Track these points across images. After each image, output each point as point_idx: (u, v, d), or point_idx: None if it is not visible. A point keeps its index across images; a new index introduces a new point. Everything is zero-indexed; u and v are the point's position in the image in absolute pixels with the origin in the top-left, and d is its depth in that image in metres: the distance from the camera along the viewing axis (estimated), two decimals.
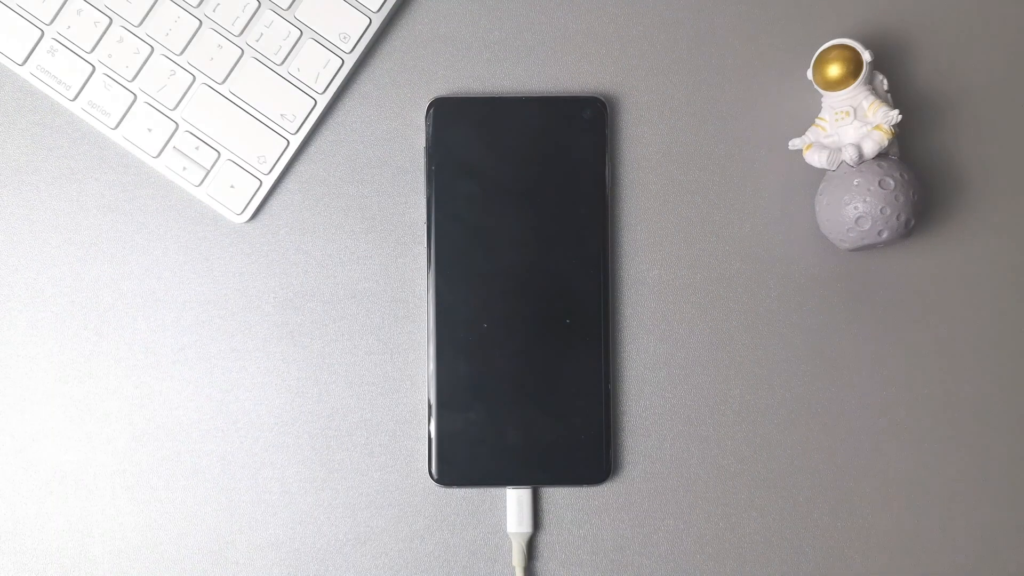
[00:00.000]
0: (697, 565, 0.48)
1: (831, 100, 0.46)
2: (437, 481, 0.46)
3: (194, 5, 0.47)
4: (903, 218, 0.45)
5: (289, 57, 0.47)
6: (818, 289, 0.48)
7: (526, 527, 0.47)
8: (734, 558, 0.48)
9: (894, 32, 0.49)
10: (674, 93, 0.49)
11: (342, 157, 0.48)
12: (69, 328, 0.48)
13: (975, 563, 0.48)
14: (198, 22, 0.47)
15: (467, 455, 0.46)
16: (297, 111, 0.47)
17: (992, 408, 0.48)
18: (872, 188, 0.44)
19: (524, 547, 0.47)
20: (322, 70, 0.47)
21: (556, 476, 0.47)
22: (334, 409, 0.48)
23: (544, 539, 0.48)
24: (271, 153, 0.47)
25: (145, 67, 0.47)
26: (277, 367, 0.48)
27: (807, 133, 0.47)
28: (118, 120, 0.47)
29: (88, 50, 0.47)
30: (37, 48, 0.47)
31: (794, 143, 0.47)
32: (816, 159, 0.46)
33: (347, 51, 0.47)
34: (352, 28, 0.47)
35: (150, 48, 0.47)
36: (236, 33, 0.47)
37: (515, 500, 0.47)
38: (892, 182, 0.45)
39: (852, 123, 0.45)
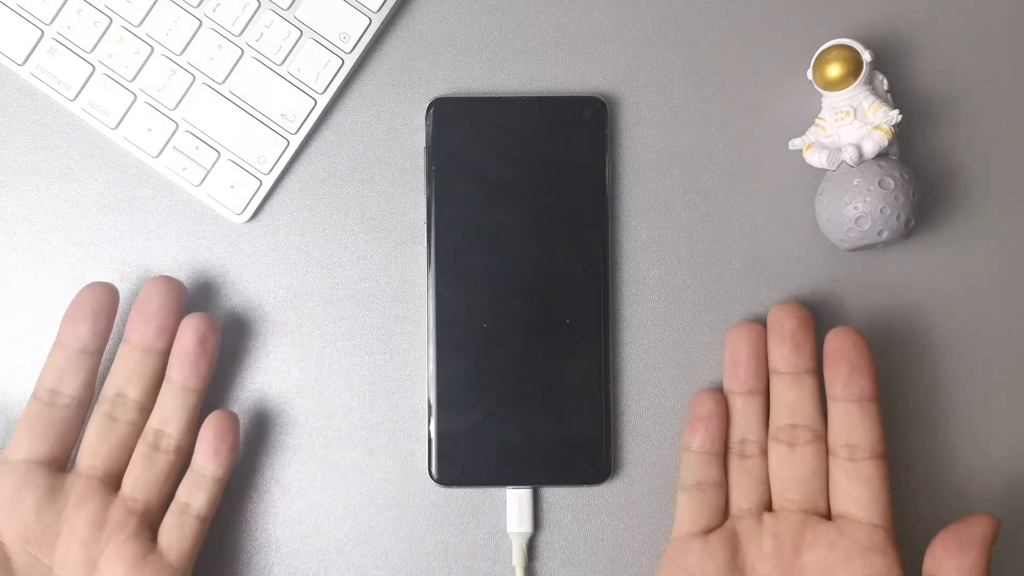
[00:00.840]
0: None
1: (831, 100, 0.46)
2: (437, 481, 0.46)
3: (194, 5, 0.47)
4: (903, 218, 0.45)
5: (289, 57, 0.47)
6: (818, 289, 0.48)
7: (526, 527, 0.47)
8: None
9: (894, 32, 0.49)
10: (674, 93, 0.49)
11: (342, 157, 0.48)
12: None
13: None
14: (198, 22, 0.47)
15: (467, 455, 0.46)
16: (297, 111, 0.47)
17: (992, 408, 0.48)
18: (872, 188, 0.44)
19: (524, 547, 0.47)
20: (322, 70, 0.47)
21: (556, 476, 0.47)
22: (334, 409, 0.48)
23: (544, 539, 0.48)
24: (271, 153, 0.47)
25: (145, 67, 0.47)
26: (277, 367, 0.48)
27: (807, 133, 0.47)
28: (118, 120, 0.47)
29: (88, 50, 0.47)
30: (37, 48, 0.47)
31: (794, 143, 0.47)
32: (816, 159, 0.46)
33: (347, 51, 0.47)
34: (352, 28, 0.47)
35: (150, 48, 0.47)
36: (236, 33, 0.47)
37: (515, 500, 0.47)
38: (892, 182, 0.45)
39: (852, 123, 0.45)
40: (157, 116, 0.47)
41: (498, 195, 0.47)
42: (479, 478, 0.46)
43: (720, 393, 0.45)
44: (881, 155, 0.45)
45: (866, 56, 0.45)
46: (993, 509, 0.48)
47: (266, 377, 0.48)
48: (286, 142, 0.47)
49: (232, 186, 0.47)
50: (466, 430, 0.46)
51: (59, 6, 0.47)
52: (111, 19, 0.47)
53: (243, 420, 0.48)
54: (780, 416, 0.44)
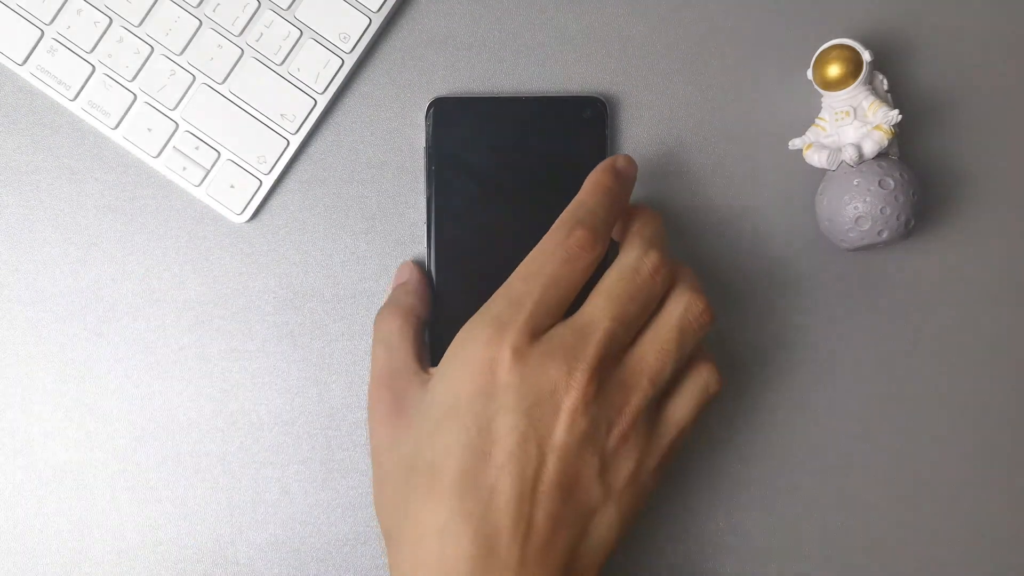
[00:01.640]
0: (697, 565, 0.48)
1: (831, 100, 0.46)
2: None
3: (194, 5, 0.47)
4: (903, 218, 0.45)
5: (289, 57, 0.47)
6: (818, 289, 0.48)
7: None
8: (734, 558, 0.48)
9: (894, 32, 0.49)
10: (674, 93, 0.49)
11: (342, 157, 0.48)
12: (69, 328, 0.48)
13: (975, 563, 0.48)
14: (198, 22, 0.47)
15: None
16: (297, 111, 0.47)
17: (993, 408, 0.48)
18: (872, 188, 0.44)
19: None
20: (322, 70, 0.47)
21: None
22: (334, 409, 0.48)
23: None
24: (271, 153, 0.47)
25: (145, 67, 0.47)
26: (277, 367, 0.48)
27: (807, 133, 0.47)
28: (118, 120, 0.47)
29: (88, 50, 0.47)
30: (37, 48, 0.47)
31: (794, 143, 0.47)
32: (816, 159, 0.46)
33: (347, 51, 0.47)
34: (352, 28, 0.47)
35: (150, 48, 0.47)
36: (236, 33, 0.47)
37: None
38: (892, 182, 0.45)
39: (852, 123, 0.45)
40: (157, 116, 0.47)
41: (498, 195, 0.47)
42: None
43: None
44: (881, 155, 0.45)
45: (866, 56, 0.45)
46: (993, 509, 0.48)
47: (267, 377, 0.48)
48: (286, 142, 0.47)
49: (232, 186, 0.47)
50: None
51: (59, 6, 0.47)
52: (111, 19, 0.47)
53: (243, 420, 0.48)
54: None
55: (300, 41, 0.47)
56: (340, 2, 0.47)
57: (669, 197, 0.48)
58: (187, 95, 0.47)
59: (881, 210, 0.44)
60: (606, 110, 0.47)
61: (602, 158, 0.47)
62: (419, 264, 0.47)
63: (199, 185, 0.47)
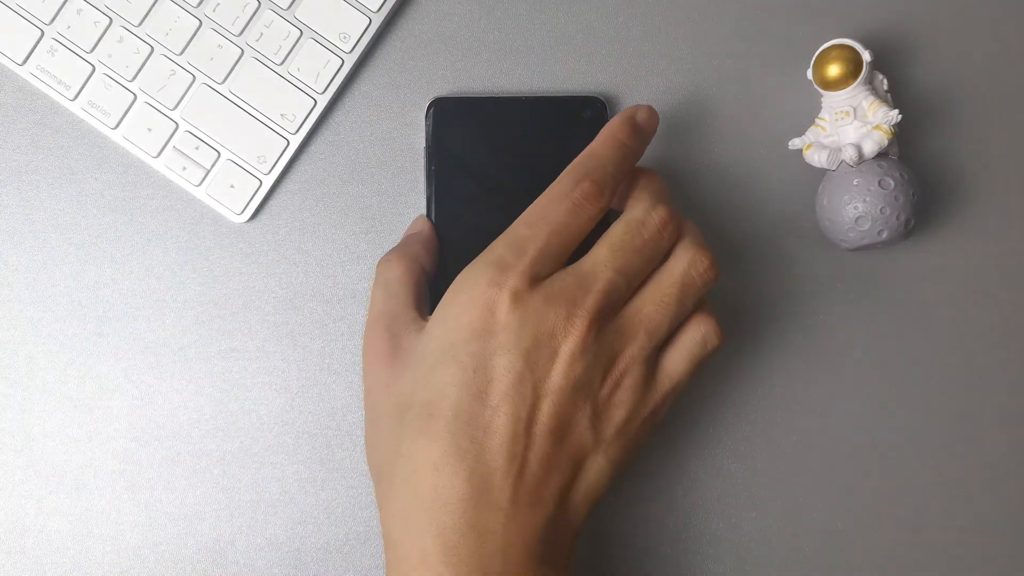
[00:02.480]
0: (697, 565, 0.48)
1: (831, 100, 0.46)
2: None
3: (194, 5, 0.47)
4: (903, 218, 0.45)
5: (289, 57, 0.47)
6: (818, 289, 0.48)
7: None
8: (734, 558, 0.48)
9: (894, 32, 0.49)
10: (674, 93, 0.49)
11: (342, 157, 0.48)
12: (69, 328, 0.48)
13: (975, 562, 0.48)
14: (198, 22, 0.47)
15: None
16: (297, 111, 0.47)
17: (992, 408, 0.48)
18: (872, 188, 0.44)
19: None
20: (322, 70, 0.47)
21: None
22: (334, 409, 0.48)
23: None
24: (271, 153, 0.47)
25: (145, 67, 0.47)
26: (277, 367, 0.48)
27: (807, 133, 0.47)
28: (118, 120, 0.47)
29: (88, 50, 0.47)
30: (37, 48, 0.47)
31: (794, 143, 0.47)
32: (816, 159, 0.46)
33: (347, 51, 0.47)
34: (352, 28, 0.47)
35: (150, 48, 0.47)
36: (236, 33, 0.47)
37: None
38: (892, 182, 0.45)
39: (852, 123, 0.45)
40: (157, 116, 0.47)
41: (498, 195, 0.47)
42: None
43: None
44: (881, 155, 0.45)
45: (866, 56, 0.45)
46: (992, 509, 0.48)
47: (267, 377, 0.48)
48: (286, 142, 0.47)
49: (232, 186, 0.47)
50: None
51: (59, 6, 0.47)
52: (111, 19, 0.47)
53: (243, 420, 0.48)
54: None
55: (300, 41, 0.47)
56: (340, 2, 0.47)
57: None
58: (187, 95, 0.47)
59: (881, 210, 0.44)
60: (606, 110, 0.47)
61: None
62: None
63: (199, 185, 0.47)
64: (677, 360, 0.42)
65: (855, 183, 0.45)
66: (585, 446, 0.40)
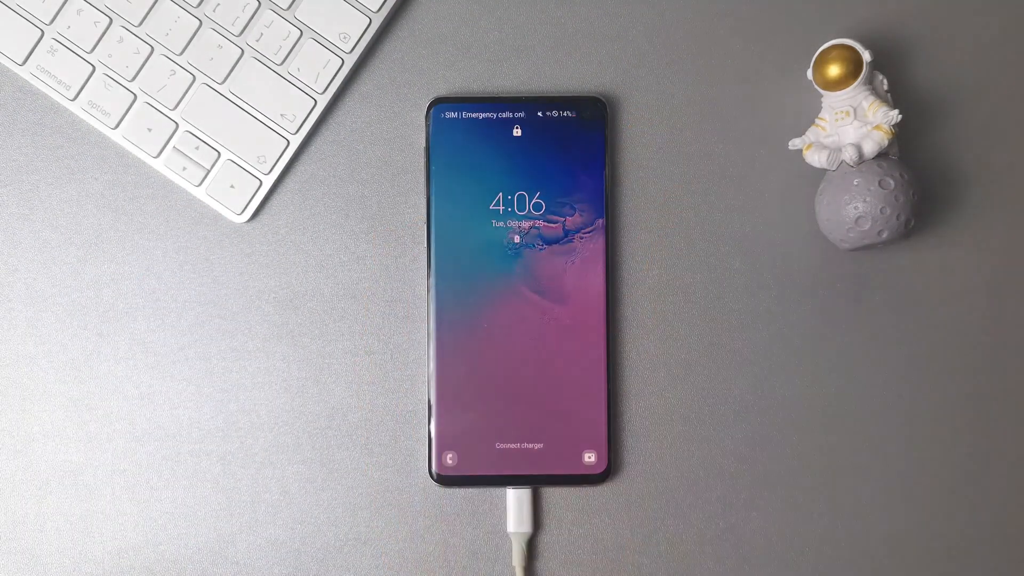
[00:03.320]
0: (697, 565, 0.48)
1: (831, 100, 0.46)
2: (437, 481, 0.46)
3: (194, 5, 0.47)
4: (903, 218, 0.45)
5: (289, 57, 0.47)
6: (818, 289, 0.48)
7: (526, 527, 0.47)
8: (734, 558, 0.48)
9: (894, 32, 0.49)
10: (674, 93, 0.49)
11: (342, 157, 0.48)
12: (69, 328, 0.48)
13: (975, 562, 0.48)
14: (198, 22, 0.47)
15: (467, 455, 0.46)
16: (297, 111, 0.47)
17: (992, 408, 0.48)
18: (872, 188, 0.44)
19: (524, 547, 0.47)
20: (322, 70, 0.47)
21: (556, 476, 0.47)
22: (334, 409, 0.48)
23: (544, 539, 0.48)
24: (271, 153, 0.47)
25: (145, 67, 0.47)
26: (277, 367, 0.48)
27: (807, 133, 0.47)
28: (118, 120, 0.47)
29: (88, 50, 0.47)
30: (37, 48, 0.47)
31: (794, 143, 0.47)
32: (816, 159, 0.46)
33: (347, 51, 0.47)
34: (352, 28, 0.47)
35: (150, 48, 0.47)
36: (236, 33, 0.47)
37: (515, 500, 0.47)
38: (892, 182, 0.45)
39: (852, 123, 0.45)
40: (157, 116, 0.47)
41: (498, 195, 0.47)
42: (479, 478, 0.46)
43: None
44: (881, 155, 0.45)
45: (866, 56, 0.45)
46: (992, 508, 0.48)
47: (266, 377, 0.48)
48: (286, 142, 0.47)
49: (232, 186, 0.47)
50: (466, 430, 0.46)
51: (59, 6, 0.47)
52: (111, 19, 0.47)
53: (243, 420, 0.48)
54: None
55: (300, 41, 0.47)
56: (340, 2, 0.47)
57: (669, 197, 0.48)
58: (187, 95, 0.47)
59: (881, 210, 0.44)
60: (606, 110, 0.47)
61: (602, 158, 0.47)
62: None
63: (199, 185, 0.47)
64: None
65: (855, 183, 0.45)
66: None
